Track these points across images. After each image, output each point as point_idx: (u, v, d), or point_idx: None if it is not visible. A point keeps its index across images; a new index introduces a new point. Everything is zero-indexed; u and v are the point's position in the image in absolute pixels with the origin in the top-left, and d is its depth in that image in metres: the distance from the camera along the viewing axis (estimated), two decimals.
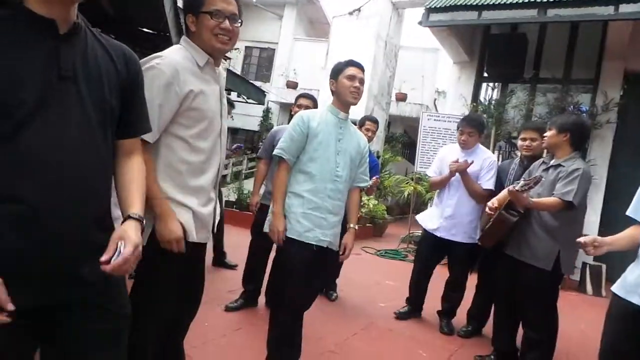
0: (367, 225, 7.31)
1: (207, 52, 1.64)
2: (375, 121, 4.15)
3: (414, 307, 3.58)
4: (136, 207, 1.19)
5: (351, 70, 2.27)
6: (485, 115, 6.85)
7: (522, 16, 5.83)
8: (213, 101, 1.66)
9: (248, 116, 13.94)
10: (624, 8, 5.08)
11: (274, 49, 16.03)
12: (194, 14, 1.61)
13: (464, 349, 3.06)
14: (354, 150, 2.36)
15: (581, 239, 1.79)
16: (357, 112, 7.95)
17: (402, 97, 13.12)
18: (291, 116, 3.72)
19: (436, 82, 14.01)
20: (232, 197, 7.43)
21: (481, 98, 7.82)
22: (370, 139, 4.05)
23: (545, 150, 3.07)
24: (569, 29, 6.87)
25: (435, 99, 14.17)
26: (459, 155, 3.40)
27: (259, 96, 11.04)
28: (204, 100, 1.61)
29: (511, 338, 2.83)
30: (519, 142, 3.25)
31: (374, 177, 4.02)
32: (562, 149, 2.67)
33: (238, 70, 15.53)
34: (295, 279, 2.16)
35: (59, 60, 1.02)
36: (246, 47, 16.51)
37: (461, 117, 3.79)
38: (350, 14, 8.95)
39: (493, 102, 7.20)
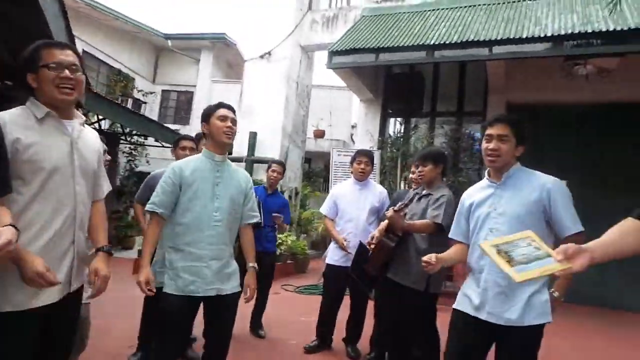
0: (288, 262, 7.32)
1: (52, 105, 1.64)
2: (280, 163, 4.31)
3: (323, 339, 3.64)
4: (8, 221, 1.32)
5: (222, 112, 2.31)
6: (393, 148, 7.30)
7: (414, 57, 6.40)
8: (57, 153, 1.64)
9: (165, 160, 13.61)
10: (497, 49, 5.77)
11: (192, 92, 15.97)
12: (33, 71, 1.61)
13: None
14: (235, 191, 2.35)
15: (423, 257, 2.03)
16: (271, 151, 8.05)
17: (320, 134, 13.56)
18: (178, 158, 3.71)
19: (351, 118, 14.69)
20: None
21: (390, 132, 8.34)
22: (276, 180, 4.19)
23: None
24: (458, 68, 7.64)
25: (352, 134, 14.80)
26: (353, 189, 3.60)
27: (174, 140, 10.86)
28: (39, 152, 1.58)
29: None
30: (415, 172, 3.45)
31: (280, 216, 4.14)
32: (436, 179, 2.96)
33: (155, 114, 15.22)
34: (176, 333, 2.16)
35: None
36: (163, 90, 16.29)
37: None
38: (262, 57, 9.23)
39: (398, 135, 7.70)
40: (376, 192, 3.65)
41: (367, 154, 3.71)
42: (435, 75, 7.87)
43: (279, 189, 4.40)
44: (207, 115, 2.32)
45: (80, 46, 12.56)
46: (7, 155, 1.48)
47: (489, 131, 2.05)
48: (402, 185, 6.88)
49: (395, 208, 2.64)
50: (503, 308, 1.87)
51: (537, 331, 1.86)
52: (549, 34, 5.44)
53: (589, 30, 5.28)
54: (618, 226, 1.31)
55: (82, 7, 11.88)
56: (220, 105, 2.34)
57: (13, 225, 1.30)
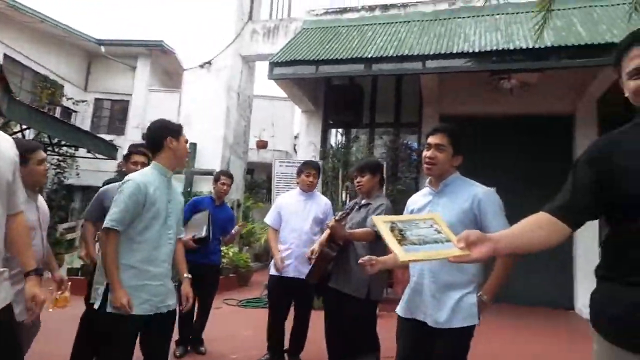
0: (231, 275, 7.17)
1: None
2: (230, 176, 4.23)
3: (273, 352, 3.59)
4: None
5: (186, 136, 2.36)
6: (334, 159, 7.42)
7: (353, 70, 6.57)
8: None
9: (99, 172, 12.89)
10: (429, 64, 6.06)
11: (128, 100, 15.32)
12: None
13: None
14: (180, 207, 2.37)
15: (361, 259, 2.09)
16: (212, 162, 7.87)
17: (262, 145, 13.48)
18: (122, 173, 3.55)
19: (294, 128, 14.76)
20: (77, 264, 6.69)
21: (332, 143, 8.47)
22: (225, 192, 4.10)
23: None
24: (395, 81, 7.92)
25: (294, 145, 14.85)
26: (298, 200, 3.62)
27: (109, 151, 10.34)
28: None
29: None
30: (355, 182, 3.54)
31: (238, 230, 4.22)
32: (374, 189, 3.05)
33: (87, 124, 14.43)
34: (124, 354, 2.06)
35: None
36: (96, 99, 15.49)
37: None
38: (202, 66, 9.06)
39: (340, 146, 7.83)
40: (321, 203, 3.68)
41: (315, 166, 3.76)
42: (374, 88, 8.11)
43: (225, 203, 4.34)
44: (176, 132, 2.28)
45: (0, 50, 11.66)
46: None
47: (428, 140, 2.14)
48: (344, 196, 7.00)
49: (337, 217, 2.69)
50: (434, 310, 1.97)
51: (465, 333, 1.95)
52: (476, 50, 5.80)
53: (512, 47, 5.69)
54: (529, 219, 1.30)
55: (2, 8, 11.07)
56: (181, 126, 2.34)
57: None
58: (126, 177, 2.26)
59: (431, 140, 2.13)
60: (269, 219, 3.78)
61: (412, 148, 7.62)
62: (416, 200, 2.27)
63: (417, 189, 6.42)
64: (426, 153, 2.13)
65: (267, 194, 13.57)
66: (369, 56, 6.28)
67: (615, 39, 5.27)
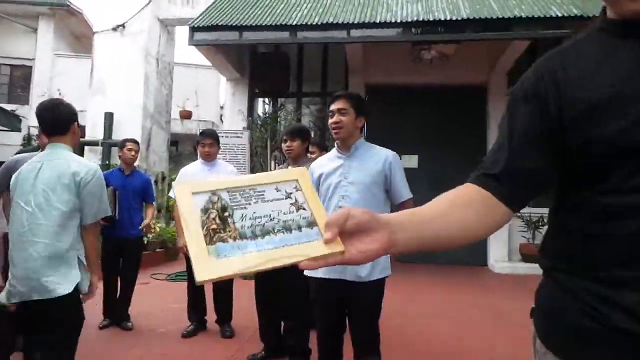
0: (158, 250, 6.95)
1: None
2: (134, 141, 4.04)
3: (197, 322, 3.60)
4: None
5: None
6: (262, 129, 7.32)
7: (278, 37, 6.44)
8: None
9: (3, 145, 11.68)
10: (354, 33, 6.11)
11: (31, 66, 13.86)
12: None
13: (242, 351, 3.20)
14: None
15: None
16: (131, 132, 7.46)
17: (186, 115, 12.94)
18: (36, 148, 3.27)
19: (220, 98, 14.29)
20: None
21: (260, 112, 8.33)
22: (133, 159, 3.94)
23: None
24: (321, 50, 7.91)
25: (221, 115, 14.43)
26: (202, 169, 3.55)
27: (12, 122, 9.40)
28: None
29: (276, 331, 3.09)
30: (283, 147, 3.52)
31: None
32: (302, 155, 3.08)
33: None
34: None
35: None
36: None
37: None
38: (115, 29, 8.38)
39: (267, 115, 7.74)
40: (227, 170, 3.64)
41: (211, 134, 3.71)
42: (300, 57, 8.04)
43: (137, 169, 4.15)
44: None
45: None
46: None
47: (331, 107, 2.29)
48: (272, 165, 6.97)
49: None
50: (355, 267, 2.09)
51: (381, 284, 2.19)
52: (398, 20, 5.93)
53: (431, 19, 5.89)
54: (447, 195, 0.81)
55: None
56: None
57: None
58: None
59: (333, 107, 2.27)
60: (172, 192, 3.69)
61: None
62: (323, 164, 2.38)
63: None
64: (331, 119, 2.26)
65: None
66: (294, 23, 6.18)
67: (523, 13, 5.65)
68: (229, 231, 0.68)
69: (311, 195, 0.76)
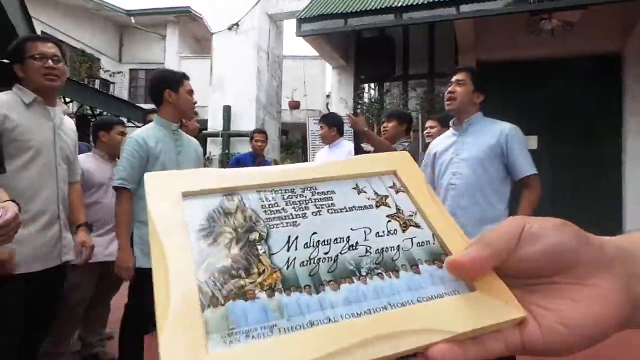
0: None
1: (38, 91, 1.83)
2: (262, 132, 4.44)
3: None
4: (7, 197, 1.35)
5: (190, 85, 2.30)
6: (367, 114, 7.36)
7: (383, 20, 6.38)
8: (41, 136, 1.81)
9: None
10: (463, 8, 5.80)
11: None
12: (20, 62, 1.82)
13: None
14: (193, 159, 2.35)
15: None
16: (247, 124, 8.03)
17: (295, 105, 13.48)
18: None
19: (326, 87, 14.62)
20: None
21: (365, 98, 8.38)
22: (262, 148, 4.31)
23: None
24: (427, 29, 7.65)
25: (327, 103, 14.76)
26: (326, 152, 3.71)
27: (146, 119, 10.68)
28: (25, 132, 1.75)
29: None
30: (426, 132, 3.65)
31: None
32: (399, 137, 3.09)
33: (125, 94, 14.84)
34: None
35: None
36: (131, 70, 15.85)
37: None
38: (230, 29, 9.03)
39: (373, 100, 7.74)
40: (346, 151, 3.73)
41: (322, 119, 3.90)
42: (406, 38, 7.87)
43: (265, 158, 4.66)
44: (175, 83, 2.24)
45: (38, 27, 12.01)
46: (1, 137, 1.64)
47: (451, 80, 2.28)
48: None
49: (352, 112, 2.80)
50: None
51: None
52: None
53: None
54: None
55: None
56: (186, 76, 2.34)
57: (14, 201, 1.35)
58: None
59: (453, 78, 2.26)
60: None
61: None
62: (439, 142, 2.34)
63: None
64: (447, 90, 2.24)
65: (302, 153, 13.70)
66: (399, 5, 6.07)
67: None
68: (260, 273, 0.33)
69: (427, 198, 0.41)
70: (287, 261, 0.34)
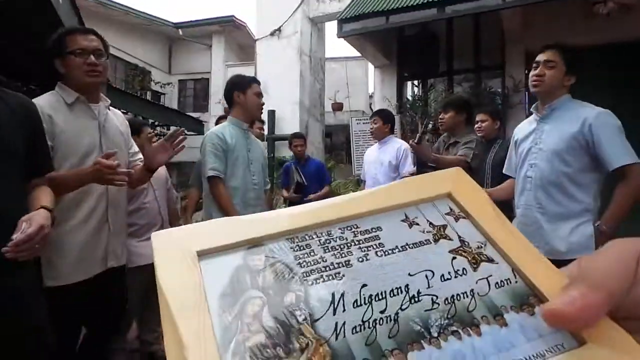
0: None
1: (80, 89, 1.75)
2: (300, 136, 4.49)
3: None
4: (46, 202, 1.35)
5: (258, 88, 2.51)
6: (411, 112, 7.24)
7: (425, 15, 6.26)
8: (87, 138, 1.75)
9: (190, 148, 13.82)
10: None
11: (208, 78, 16.08)
12: (60, 58, 1.73)
13: None
14: (261, 157, 2.57)
15: None
16: (291, 127, 8.13)
17: (338, 107, 13.48)
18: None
19: (368, 87, 14.53)
20: None
21: (408, 96, 8.25)
22: (302, 152, 4.36)
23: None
24: (472, 22, 7.42)
25: (370, 104, 14.66)
26: (376, 149, 3.67)
27: (196, 126, 11.06)
28: (72, 137, 1.70)
29: None
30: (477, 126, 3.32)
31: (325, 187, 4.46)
32: (459, 127, 2.97)
33: (175, 104, 15.45)
34: None
35: None
36: (179, 80, 16.48)
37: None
38: (272, 34, 9.19)
39: (416, 97, 7.61)
40: (395, 148, 3.67)
41: (375, 114, 3.87)
42: (449, 33, 7.66)
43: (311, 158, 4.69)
44: (243, 85, 2.46)
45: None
46: (46, 136, 1.58)
47: (537, 59, 2.01)
48: None
49: (413, 141, 2.68)
50: (550, 239, 1.88)
51: None
52: None
53: None
54: None
55: (91, 5, 12.04)
56: (255, 80, 2.52)
57: (46, 207, 1.35)
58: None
59: (540, 57, 1.99)
60: (362, 174, 4.03)
61: (495, 93, 7.17)
62: (522, 128, 2.17)
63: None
64: (534, 72, 1.97)
65: (345, 155, 13.67)
66: None
67: None
68: (303, 348, 0.27)
69: (494, 222, 0.34)
70: (336, 328, 0.27)
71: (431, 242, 0.33)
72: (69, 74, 1.73)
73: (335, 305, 0.28)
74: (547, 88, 1.95)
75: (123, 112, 8.59)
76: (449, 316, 0.28)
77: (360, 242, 0.33)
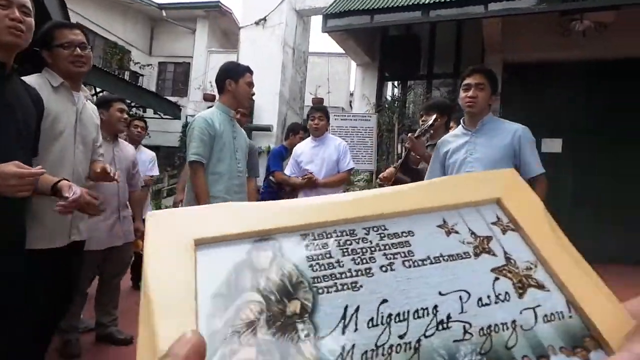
0: None
1: (65, 77, 1.89)
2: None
3: None
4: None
5: (251, 78, 2.53)
6: (389, 112, 7.33)
7: (410, 17, 6.34)
8: (65, 121, 1.88)
9: (167, 132, 13.62)
10: (492, 6, 5.72)
11: (189, 63, 15.82)
12: (48, 50, 1.88)
13: None
14: (245, 145, 2.58)
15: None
16: (269, 118, 8.08)
17: (318, 102, 13.48)
18: None
19: (350, 84, 14.60)
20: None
21: (388, 96, 8.34)
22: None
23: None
24: (454, 28, 7.55)
25: (350, 101, 14.74)
26: (310, 145, 3.63)
27: (174, 111, 10.88)
28: (55, 120, 1.84)
29: None
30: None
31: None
32: (440, 129, 3.04)
33: (153, 87, 15.15)
34: None
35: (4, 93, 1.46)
36: (160, 62, 16.16)
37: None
38: (257, 23, 9.12)
39: (395, 98, 7.70)
40: (335, 144, 3.58)
41: (321, 109, 3.69)
42: (432, 37, 7.79)
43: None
44: (237, 73, 2.48)
45: (73, 18, 12.39)
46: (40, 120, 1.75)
47: (467, 81, 2.30)
48: (399, 149, 6.94)
49: (415, 134, 2.62)
50: None
51: None
52: None
53: None
54: None
55: None
56: (249, 69, 2.51)
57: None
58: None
59: (470, 80, 2.24)
60: (288, 170, 3.76)
61: None
62: (449, 140, 2.36)
63: None
64: (466, 93, 2.23)
65: None
66: (426, 1, 6.02)
67: None
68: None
69: (551, 238, 0.28)
70: (342, 352, 0.22)
71: (471, 256, 0.27)
72: (56, 63, 1.88)
73: (346, 322, 0.23)
74: (479, 109, 2.22)
75: (99, 91, 8.38)
76: (482, 351, 0.23)
77: (387, 247, 0.27)
